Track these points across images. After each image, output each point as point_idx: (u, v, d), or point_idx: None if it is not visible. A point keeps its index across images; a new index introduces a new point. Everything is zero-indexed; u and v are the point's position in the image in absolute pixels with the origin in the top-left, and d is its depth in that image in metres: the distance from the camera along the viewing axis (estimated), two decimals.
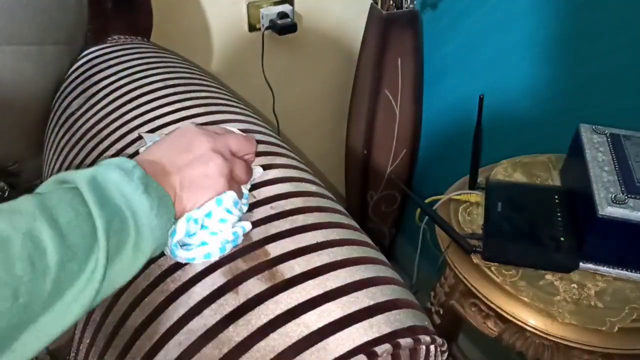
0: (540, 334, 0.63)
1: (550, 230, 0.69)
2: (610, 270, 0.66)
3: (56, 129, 0.74)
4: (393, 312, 0.43)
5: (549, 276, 0.67)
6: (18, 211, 0.32)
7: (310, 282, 0.43)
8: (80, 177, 0.36)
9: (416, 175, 1.42)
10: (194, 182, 0.42)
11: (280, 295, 0.41)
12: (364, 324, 0.41)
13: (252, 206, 0.50)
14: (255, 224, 0.47)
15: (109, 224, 0.35)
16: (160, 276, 0.45)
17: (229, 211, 0.44)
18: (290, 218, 0.48)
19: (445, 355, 0.46)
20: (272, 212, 0.49)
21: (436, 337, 0.44)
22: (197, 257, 0.44)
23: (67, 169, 0.65)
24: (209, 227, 0.44)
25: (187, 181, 0.42)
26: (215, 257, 0.44)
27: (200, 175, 0.43)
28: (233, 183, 0.46)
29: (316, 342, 0.38)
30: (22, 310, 0.30)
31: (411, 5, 1.13)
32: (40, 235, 0.31)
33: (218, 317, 0.41)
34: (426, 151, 1.37)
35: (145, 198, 0.37)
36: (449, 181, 0.88)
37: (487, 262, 0.68)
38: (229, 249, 0.45)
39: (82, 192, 0.35)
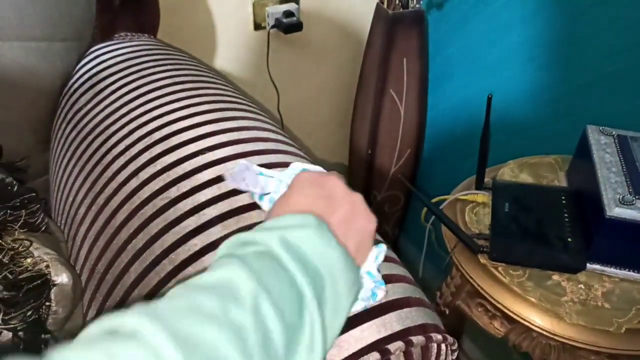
0: (547, 334, 0.63)
1: (557, 230, 0.69)
2: (617, 271, 0.66)
3: (64, 124, 0.74)
4: (405, 310, 0.43)
5: (556, 277, 0.67)
6: (236, 287, 0.29)
7: None
8: (269, 238, 0.33)
9: (420, 175, 1.42)
10: (353, 232, 0.39)
11: None
12: (377, 321, 0.41)
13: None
14: None
15: (315, 290, 0.32)
16: (171, 272, 0.45)
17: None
18: None
19: (455, 354, 0.46)
20: None
21: (447, 335, 0.44)
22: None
23: (76, 163, 0.65)
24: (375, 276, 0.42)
25: (347, 232, 0.38)
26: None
27: (357, 226, 0.39)
28: None
29: None
30: None
31: (417, 5, 1.13)
32: (266, 317, 0.29)
33: None
34: (430, 151, 1.37)
35: (339, 253, 0.35)
36: (452, 182, 0.88)
37: (494, 263, 0.68)
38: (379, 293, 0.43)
39: (278, 256, 0.32)
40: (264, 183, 0.45)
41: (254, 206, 0.48)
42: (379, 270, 0.42)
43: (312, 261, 0.33)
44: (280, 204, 0.40)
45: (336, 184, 0.40)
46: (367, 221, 0.39)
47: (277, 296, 0.30)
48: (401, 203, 1.41)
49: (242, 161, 0.48)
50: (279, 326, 0.29)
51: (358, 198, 0.40)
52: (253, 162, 0.53)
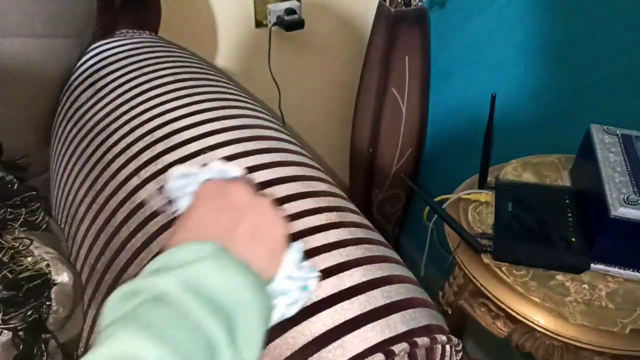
0: (550, 334, 0.63)
1: (561, 230, 0.69)
2: (621, 271, 0.66)
3: (64, 122, 0.73)
4: (409, 310, 0.42)
5: (559, 277, 0.66)
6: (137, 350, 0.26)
7: (326, 280, 0.42)
8: (163, 282, 0.30)
9: (421, 174, 1.41)
10: (262, 241, 0.37)
11: None
12: (381, 322, 0.40)
13: None
14: None
15: (227, 330, 0.29)
16: None
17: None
18: (301, 220, 0.48)
19: (460, 355, 0.46)
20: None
21: (452, 336, 0.44)
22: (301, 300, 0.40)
23: (76, 162, 0.64)
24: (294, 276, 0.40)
25: (255, 242, 0.36)
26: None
27: (265, 234, 0.37)
28: None
29: (333, 340, 0.38)
30: None
31: (419, 3, 1.12)
32: None
33: None
34: (432, 150, 1.37)
35: (243, 279, 0.32)
36: (454, 181, 0.87)
37: (498, 262, 0.68)
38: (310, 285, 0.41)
39: (177, 301, 0.29)
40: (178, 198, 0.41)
41: None
42: (302, 266, 0.39)
43: (217, 296, 0.30)
44: (181, 223, 0.37)
45: (240, 192, 0.37)
46: (275, 226, 0.37)
47: (184, 351, 0.27)
48: (402, 202, 1.41)
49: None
50: None
51: (264, 204, 0.38)
52: (255, 161, 0.53)
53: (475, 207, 0.78)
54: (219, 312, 0.29)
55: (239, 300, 0.31)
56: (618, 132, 0.74)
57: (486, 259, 0.69)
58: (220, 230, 0.35)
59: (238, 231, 0.35)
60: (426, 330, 0.41)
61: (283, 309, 0.37)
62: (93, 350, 0.26)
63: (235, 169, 0.42)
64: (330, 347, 0.38)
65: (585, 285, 0.65)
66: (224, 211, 0.36)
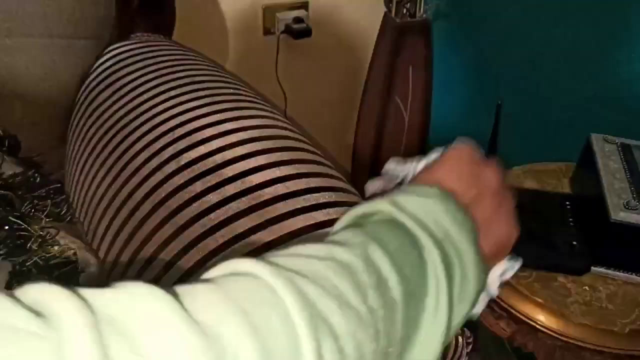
0: (553, 334, 0.65)
1: (562, 234, 0.71)
2: (621, 274, 0.68)
3: (81, 122, 0.75)
4: None
5: (561, 279, 0.69)
6: (345, 241, 0.27)
7: None
8: (390, 206, 0.30)
9: None
10: (492, 236, 0.33)
11: None
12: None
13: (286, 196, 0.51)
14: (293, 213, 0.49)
15: (443, 257, 0.28)
16: (199, 261, 0.47)
17: None
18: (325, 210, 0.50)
19: (470, 347, 0.48)
20: (305, 204, 0.51)
21: (465, 329, 0.46)
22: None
23: (96, 159, 0.66)
24: None
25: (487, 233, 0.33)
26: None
27: (498, 230, 0.34)
28: None
29: None
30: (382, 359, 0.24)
31: (424, 15, 1.15)
32: (380, 264, 0.26)
33: None
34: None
35: (465, 233, 0.30)
36: None
37: None
38: None
39: (401, 222, 0.29)
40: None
41: (279, 199, 0.50)
42: (501, 286, 0.36)
43: (440, 234, 0.29)
44: (423, 175, 0.35)
45: (494, 175, 0.35)
46: (510, 229, 0.34)
47: (393, 250, 0.26)
48: None
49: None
50: (396, 277, 0.25)
51: (509, 201, 0.35)
52: (276, 158, 0.55)
53: None
54: (438, 242, 0.28)
55: (460, 253, 0.29)
56: (617, 141, 0.77)
57: None
58: (469, 192, 0.33)
59: (477, 212, 0.32)
60: None
61: (481, 305, 0.34)
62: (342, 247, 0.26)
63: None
64: None
65: (586, 287, 0.67)
66: (473, 185, 0.33)
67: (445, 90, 1.29)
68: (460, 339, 0.46)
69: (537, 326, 0.66)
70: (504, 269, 0.36)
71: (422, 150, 1.34)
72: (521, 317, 0.67)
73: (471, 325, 0.52)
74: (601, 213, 0.66)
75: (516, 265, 0.37)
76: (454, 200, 0.31)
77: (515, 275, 0.68)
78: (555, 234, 0.72)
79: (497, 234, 0.33)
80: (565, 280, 0.68)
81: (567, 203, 0.77)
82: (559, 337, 0.65)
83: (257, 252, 0.46)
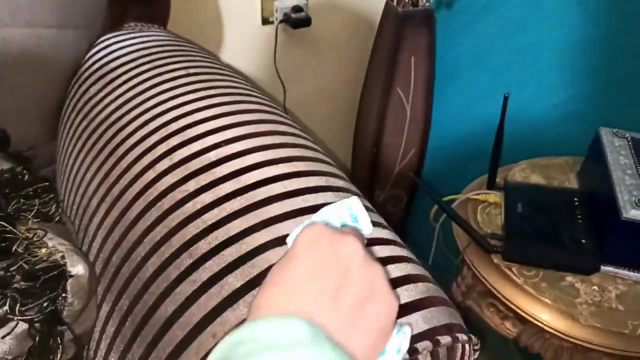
0: (560, 335, 0.63)
1: (571, 232, 0.69)
2: (631, 273, 0.66)
3: (72, 114, 0.72)
4: (430, 309, 0.42)
5: (569, 278, 0.66)
6: None
7: None
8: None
9: (424, 174, 1.41)
10: (367, 321, 0.31)
11: None
12: (402, 320, 0.40)
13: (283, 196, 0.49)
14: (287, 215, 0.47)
15: None
16: (191, 265, 0.44)
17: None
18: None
19: (477, 354, 0.46)
20: (304, 205, 0.48)
21: (472, 335, 0.44)
22: None
23: (87, 154, 0.63)
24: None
25: (359, 320, 0.30)
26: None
27: (374, 311, 0.31)
28: None
29: None
30: None
31: (427, 4, 1.12)
32: None
33: None
34: (435, 151, 1.37)
35: None
36: (456, 182, 0.87)
37: (508, 263, 0.68)
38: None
39: None
40: None
41: (273, 200, 0.48)
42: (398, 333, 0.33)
43: None
44: (275, 275, 0.31)
45: (354, 250, 0.31)
46: (387, 305, 0.31)
47: None
48: (404, 203, 1.41)
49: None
50: None
51: (379, 272, 0.31)
52: (273, 155, 0.52)
53: (484, 207, 0.78)
54: None
55: None
56: (627, 135, 0.74)
57: (496, 259, 0.69)
58: (323, 296, 0.29)
59: (343, 302, 0.29)
60: (448, 330, 0.41)
61: None
62: None
63: (367, 219, 0.37)
64: None
65: (595, 287, 0.65)
66: (332, 269, 0.30)
67: (448, 81, 1.26)
68: (467, 346, 0.44)
69: (544, 327, 0.64)
70: (399, 343, 0.33)
71: (424, 142, 1.31)
72: (528, 317, 0.65)
73: (478, 331, 0.51)
74: (611, 210, 0.64)
75: (407, 332, 0.34)
76: (323, 337, 0.27)
77: (521, 274, 0.67)
78: (563, 231, 0.69)
79: (370, 319, 0.30)
80: (573, 279, 0.66)
81: (575, 199, 0.75)
82: (567, 338, 0.63)
83: (251, 254, 0.44)
